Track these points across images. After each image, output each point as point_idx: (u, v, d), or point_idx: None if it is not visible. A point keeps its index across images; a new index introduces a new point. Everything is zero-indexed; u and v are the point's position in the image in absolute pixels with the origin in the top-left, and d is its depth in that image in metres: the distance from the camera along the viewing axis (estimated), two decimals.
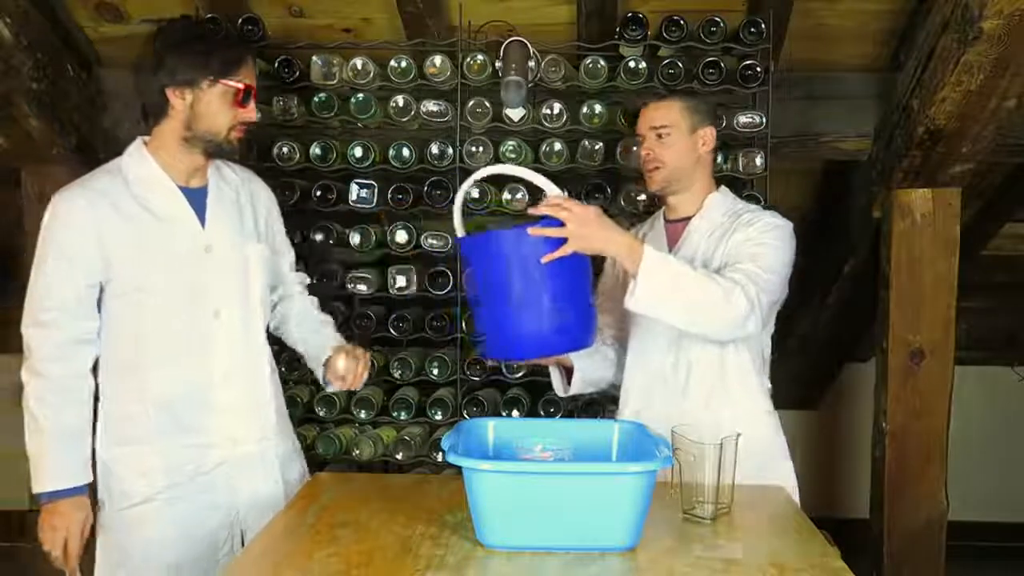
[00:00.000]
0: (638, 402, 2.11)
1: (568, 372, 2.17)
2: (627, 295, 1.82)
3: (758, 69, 2.71)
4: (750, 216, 2.06)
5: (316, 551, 1.46)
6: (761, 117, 2.74)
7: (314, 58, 2.76)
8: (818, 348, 3.86)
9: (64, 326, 1.87)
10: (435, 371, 2.90)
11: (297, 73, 2.76)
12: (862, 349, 3.97)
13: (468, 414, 2.82)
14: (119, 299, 1.90)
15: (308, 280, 2.27)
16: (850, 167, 3.17)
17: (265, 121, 2.84)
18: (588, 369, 2.16)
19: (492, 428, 1.75)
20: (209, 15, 2.73)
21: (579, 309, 1.82)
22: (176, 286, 1.91)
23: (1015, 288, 3.88)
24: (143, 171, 1.94)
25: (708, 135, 2.11)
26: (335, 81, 2.77)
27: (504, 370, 2.88)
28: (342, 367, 2.00)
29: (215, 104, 1.91)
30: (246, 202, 2.07)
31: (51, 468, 1.88)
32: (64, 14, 2.88)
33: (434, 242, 2.86)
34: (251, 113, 1.95)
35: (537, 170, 2.79)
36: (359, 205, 2.83)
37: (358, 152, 2.80)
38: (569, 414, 2.87)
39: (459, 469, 1.46)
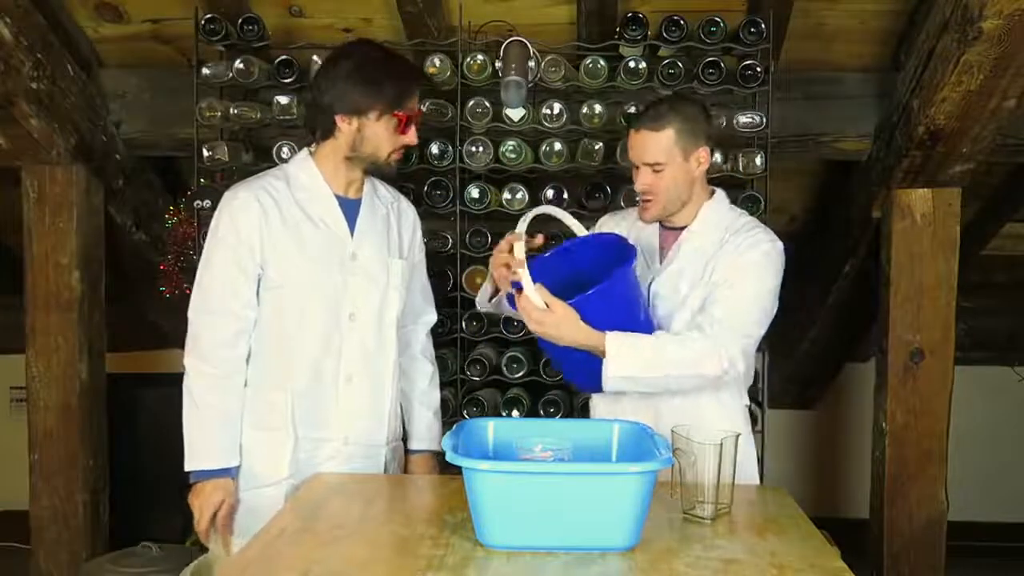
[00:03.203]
0: (608, 406, 2.10)
1: None
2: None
3: (758, 69, 2.71)
4: (740, 240, 2.00)
5: (316, 551, 1.46)
6: (761, 117, 2.74)
7: (314, 58, 2.75)
8: (818, 348, 3.85)
9: (233, 315, 2.00)
10: None
11: (297, 73, 2.76)
12: (862, 349, 3.96)
13: (468, 414, 2.82)
14: (270, 292, 2.02)
15: (435, 319, 2.35)
16: (850, 167, 3.17)
17: (265, 121, 2.85)
18: None
19: (492, 428, 1.75)
20: (209, 15, 2.73)
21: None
22: (319, 286, 2.03)
23: (1015, 288, 3.87)
24: (306, 179, 2.07)
25: (703, 155, 2.01)
26: None
27: (504, 370, 2.88)
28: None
29: (380, 132, 2.02)
30: (394, 220, 2.19)
31: (205, 449, 1.99)
32: (64, 14, 2.89)
33: (434, 242, 2.86)
34: (412, 138, 2.07)
35: (537, 170, 2.84)
36: None
37: None
38: (569, 414, 2.87)
39: (459, 469, 1.46)
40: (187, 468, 1.99)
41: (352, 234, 2.07)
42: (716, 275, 1.98)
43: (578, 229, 2.05)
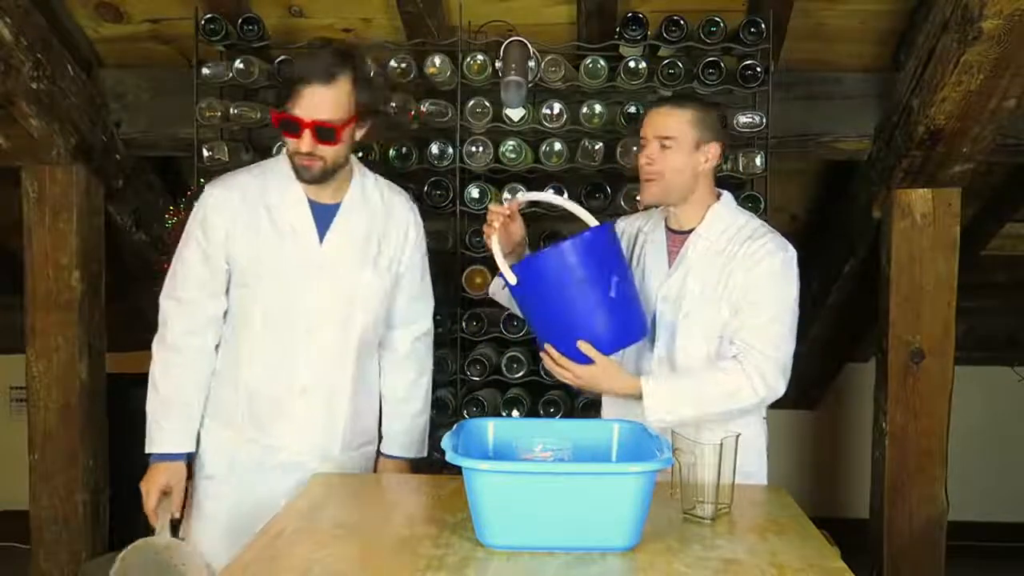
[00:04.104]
0: (619, 406, 2.06)
1: None
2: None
3: (758, 69, 2.71)
4: (753, 249, 1.98)
5: (316, 551, 1.45)
6: (761, 117, 2.74)
7: None
8: (818, 348, 3.85)
9: (201, 304, 2.01)
10: (435, 371, 2.89)
11: None
12: (862, 349, 3.96)
13: (468, 414, 2.82)
14: (235, 290, 2.02)
15: (427, 327, 2.25)
16: (850, 167, 3.17)
17: (265, 121, 2.85)
18: None
19: (492, 428, 1.74)
20: (209, 15, 2.73)
21: (611, 314, 1.91)
22: (279, 294, 1.99)
23: (1015, 288, 3.88)
24: (282, 179, 2.01)
25: (713, 151, 2.01)
26: None
27: (504, 370, 2.88)
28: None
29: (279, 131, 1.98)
30: (379, 227, 2.08)
31: (159, 433, 2.01)
32: (64, 14, 2.89)
33: (434, 242, 2.86)
34: (300, 144, 1.91)
35: (537, 170, 2.84)
36: None
37: (358, 152, 2.79)
38: (569, 414, 2.87)
39: (459, 469, 1.46)
40: (147, 451, 2.01)
41: (321, 243, 2.01)
42: (735, 293, 1.97)
43: (586, 217, 2.05)
